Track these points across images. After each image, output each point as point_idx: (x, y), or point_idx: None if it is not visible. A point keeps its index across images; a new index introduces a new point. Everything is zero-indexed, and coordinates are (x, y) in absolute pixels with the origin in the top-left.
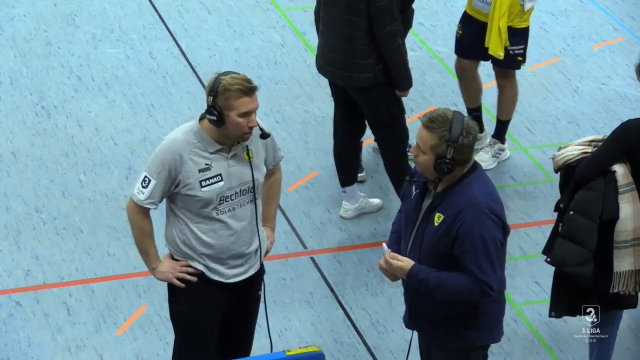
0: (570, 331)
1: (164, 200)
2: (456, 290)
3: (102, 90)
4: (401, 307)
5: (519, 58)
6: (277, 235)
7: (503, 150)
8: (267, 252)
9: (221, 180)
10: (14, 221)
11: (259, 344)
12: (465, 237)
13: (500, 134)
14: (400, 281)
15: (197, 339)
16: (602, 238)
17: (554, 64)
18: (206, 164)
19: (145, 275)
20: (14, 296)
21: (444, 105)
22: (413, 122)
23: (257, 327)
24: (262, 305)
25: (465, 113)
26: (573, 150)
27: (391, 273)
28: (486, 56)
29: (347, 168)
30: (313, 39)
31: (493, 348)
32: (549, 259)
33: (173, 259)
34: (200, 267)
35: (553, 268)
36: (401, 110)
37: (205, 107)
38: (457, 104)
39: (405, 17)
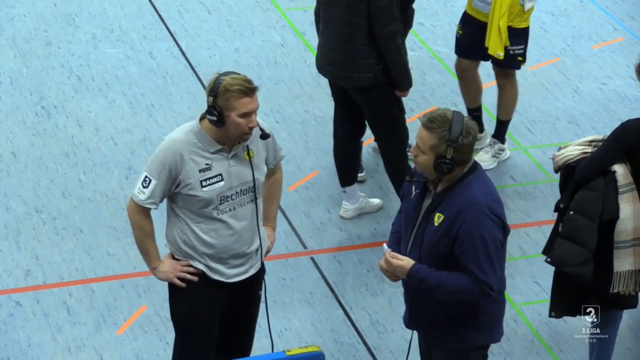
0: (570, 331)
1: (165, 200)
2: (456, 290)
3: (102, 90)
4: (401, 307)
5: (519, 58)
6: (277, 235)
7: (503, 150)
8: (267, 252)
9: (222, 180)
10: (14, 221)
11: (259, 344)
12: (465, 237)
13: (500, 134)
14: (400, 281)
15: (198, 338)
16: (602, 238)
17: (554, 64)
18: (207, 164)
19: (145, 275)
20: (14, 296)
21: (444, 105)
22: (413, 122)
23: (257, 327)
24: (262, 305)
25: (465, 113)
26: (573, 150)
27: (391, 273)
28: (486, 56)
29: (347, 168)
30: (313, 39)
31: (493, 348)
32: (549, 259)
33: (174, 258)
34: (201, 267)
35: (553, 268)
36: (401, 111)
37: (205, 107)
38: (457, 104)
39: (405, 17)
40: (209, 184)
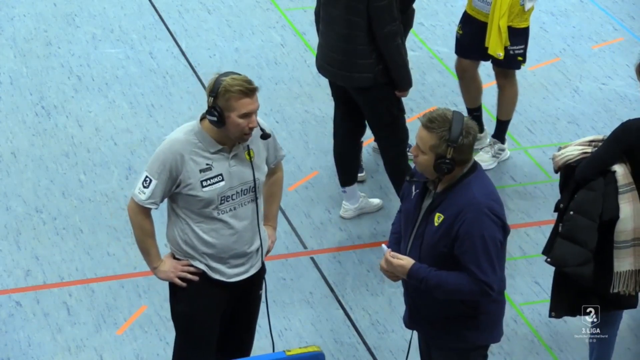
0: (570, 331)
1: (165, 199)
2: (456, 290)
3: (102, 90)
4: (401, 307)
5: (519, 58)
6: (277, 235)
7: (503, 150)
8: (268, 251)
9: (222, 180)
10: (14, 221)
11: (259, 344)
12: (465, 237)
13: (500, 134)
14: (400, 281)
15: (198, 338)
16: (602, 238)
17: (554, 64)
18: (207, 164)
19: (145, 275)
20: (14, 296)
21: (444, 105)
22: (413, 122)
23: (257, 327)
24: (262, 305)
25: (465, 113)
26: (573, 150)
27: (392, 273)
28: (486, 56)
29: (347, 168)
30: (313, 39)
31: (493, 348)
32: (549, 259)
33: (174, 258)
34: (202, 267)
35: (553, 268)
36: (401, 111)
37: (205, 107)
38: (457, 104)
39: (405, 17)
40: (209, 184)
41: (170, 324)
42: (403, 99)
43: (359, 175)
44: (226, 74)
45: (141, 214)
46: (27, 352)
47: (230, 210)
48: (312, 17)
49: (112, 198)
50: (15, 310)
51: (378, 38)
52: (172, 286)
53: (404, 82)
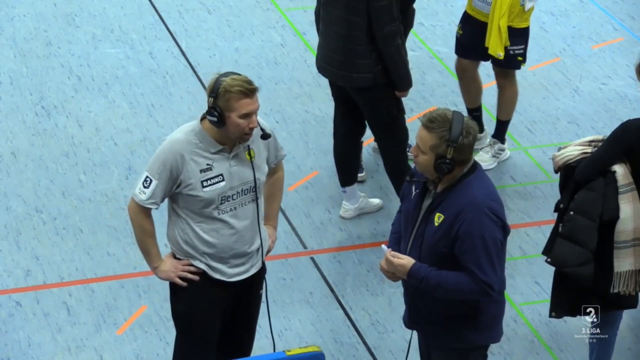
0: (570, 331)
1: (166, 199)
2: (456, 289)
3: (102, 90)
4: (401, 307)
5: (519, 58)
6: (277, 235)
7: (503, 150)
8: (269, 251)
9: (223, 180)
10: (14, 221)
11: (259, 344)
12: (466, 237)
13: (500, 134)
14: (400, 281)
15: (199, 337)
16: (602, 238)
17: (554, 64)
18: (207, 164)
19: (145, 275)
20: (14, 296)
21: (444, 105)
22: (413, 122)
23: (257, 327)
24: (262, 305)
25: (465, 113)
26: (573, 150)
27: (392, 273)
28: (486, 56)
29: (347, 168)
30: (313, 39)
31: (493, 348)
32: (549, 260)
33: (175, 258)
34: (202, 266)
35: (553, 268)
36: (401, 111)
37: (205, 107)
38: (457, 104)
39: (406, 17)
40: (209, 184)
41: (170, 324)
42: (403, 99)
43: (359, 175)
44: (226, 74)
45: (141, 213)
46: (27, 352)
47: (231, 210)
48: (312, 17)
49: (112, 198)
50: (15, 310)
51: (378, 38)
52: (173, 286)
53: (404, 82)
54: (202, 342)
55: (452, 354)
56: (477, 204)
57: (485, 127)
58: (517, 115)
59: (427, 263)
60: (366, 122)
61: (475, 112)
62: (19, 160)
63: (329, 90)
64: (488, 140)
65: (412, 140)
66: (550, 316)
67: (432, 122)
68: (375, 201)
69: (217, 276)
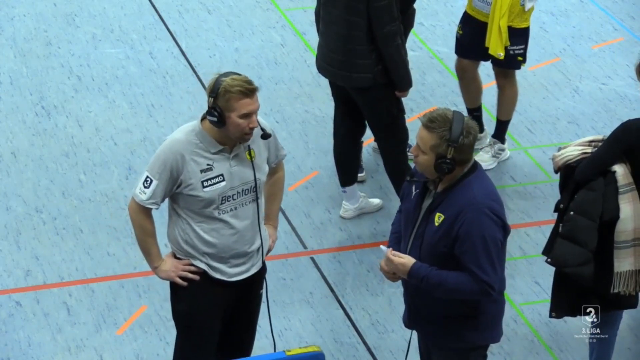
0: (570, 331)
1: (166, 199)
2: (457, 289)
3: (102, 90)
4: (401, 307)
5: (519, 58)
6: (277, 235)
7: (503, 150)
8: (269, 251)
9: (223, 180)
10: (14, 221)
11: (259, 344)
12: (466, 237)
13: (500, 134)
14: (400, 281)
15: (199, 337)
16: (603, 238)
17: (554, 64)
18: (208, 164)
19: (145, 275)
20: (14, 296)
21: (444, 105)
22: (413, 122)
23: (257, 327)
24: (263, 305)
25: (465, 113)
26: (573, 150)
27: (392, 274)
28: (486, 56)
29: (347, 168)
30: (313, 39)
31: (493, 348)
32: (549, 260)
33: (175, 257)
34: (203, 266)
35: (553, 268)
36: (401, 111)
37: (205, 107)
38: (457, 104)
39: (406, 17)
40: (210, 184)
41: (170, 323)
42: (403, 99)
43: (359, 175)
44: (226, 74)
45: (142, 213)
46: (27, 352)
47: (231, 210)
48: (312, 17)
49: (112, 198)
50: (15, 310)
51: (378, 38)
52: (173, 285)
53: (404, 82)
54: (203, 342)
55: (452, 354)
56: (478, 204)
57: (485, 127)
58: (517, 115)
59: (427, 263)
60: (366, 122)
61: (475, 112)
62: (19, 160)
63: (329, 90)
64: (488, 140)
65: (412, 140)
66: (551, 316)
67: (432, 122)
68: (375, 201)
69: (217, 276)
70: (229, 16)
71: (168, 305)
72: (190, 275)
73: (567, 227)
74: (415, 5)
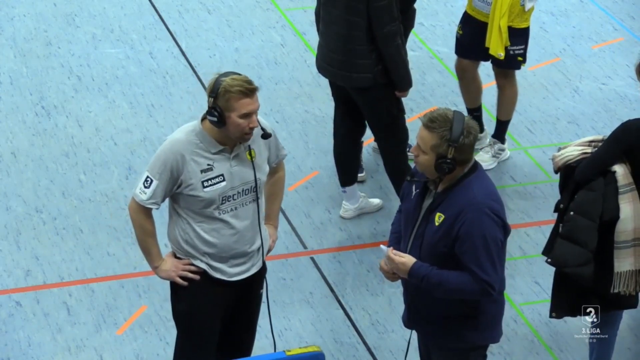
0: (570, 331)
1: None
2: (457, 289)
3: (102, 90)
4: (401, 307)
5: (519, 58)
6: (277, 234)
7: (503, 150)
8: (269, 251)
9: (223, 180)
10: (14, 221)
11: (259, 344)
12: (466, 237)
13: (500, 134)
14: (400, 281)
15: (199, 337)
16: (603, 238)
17: (554, 64)
18: (208, 165)
19: (145, 275)
20: (14, 296)
21: (444, 105)
22: (413, 122)
23: (257, 327)
24: (263, 305)
25: (465, 113)
26: (573, 150)
27: (391, 273)
28: (486, 56)
29: (347, 168)
30: (313, 39)
31: (493, 348)
32: (549, 260)
33: (175, 257)
34: (203, 266)
35: (553, 268)
36: (401, 111)
37: (205, 107)
38: (457, 104)
39: (407, 17)
40: (210, 185)
41: (170, 324)
42: (403, 99)
43: (359, 175)
44: (226, 74)
45: (142, 213)
46: (27, 352)
47: (232, 210)
48: (312, 17)
49: (112, 198)
50: (15, 310)
51: (378, 38)
52: (173, 285)
53: (404, 82)
54: (203, 342)
55: (451, 354)
56: (478, 204)
57: (485, 127)
58: (517, 115)
59: (427, 263)
60: (366, 122)
61: (475, 112)
62: (19, 160)
63: (329, 90)
64: (488, 140)
65: (412, 140)
66: (551, 316)
67: (433, 122)
68: (375, 201)
69: (217, 275)
70: (229, 16)
71: (168, 305)
72: (191, 275)
73: (567, 227)
74: (416, 5)
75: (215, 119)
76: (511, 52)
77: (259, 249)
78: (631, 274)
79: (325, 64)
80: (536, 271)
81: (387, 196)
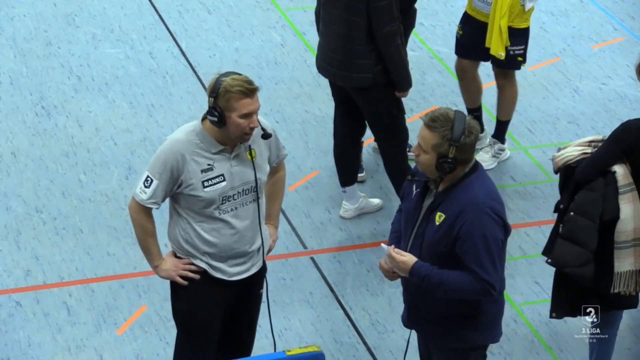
0: (570, 331)
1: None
2: (458, 289)
3: (102, 90)
4: (401, 307)
5: (519, 58)
6: (277, 234)
7: (503, 150)
8: (269, 250)
9: (223, 180)
10: (14, 221)
11: (259, 344)
12: (467, 237)
13: (500, 134)
14: (400, 281)
15: (200, 336)
16: (603, 239)
17: (554, 64)
18: (208, 165)
19: (145, 275)
20: (14, 296)
21: (444, 105)
22: (413, 122)
23: (257, 327)
24: (263, 305)
25: (465, 113)
26: (573, 151)
27: (391, 272)
28: (486, 56)
29: (347, 168)
30: (313, 39)
31: (493, 348)
32: (549, 260)
33: (176, 256)
34: (203, 265)
35: (553, 268)
36: (401, 111)
37: (205, 107)
38: (457, 104)
39: (407, 17)
40: (210, 185)
41: (170, 324)
42: (403, 99)
43: (359, 175)
44: (226, 74)
45: (142, 213)
46: (27, 352)
47: (232, 210)
48: (312, 17)
49: (112, 198)
50: (15, 310)
51: (378, 38)
52: (173, 285)
53: (404, 82)
54: (203, 342)
55: (451, 354)
56: (479, 204)
57: (485, 127)
58: (517, 115)
59: (427, 262)
60: (366, 122)
61: (475, 112)
62: (19, 160)
63: (329, 90)
64: (488, 140)
65: (412, 140)
66: (551, 317)
67: (434, 121)
68: (375, 201)
69: (217, 275)
70: (229, 16)
71: (168, 305)
72: (191, 275)
73: (567, 227)
74: (416, 5)
75: (215, 119)
76: (511, 52)
77: (259, 248)
78: (631, 274)
79: (325, 64)
80: (536, 271)
81: (387, 196)
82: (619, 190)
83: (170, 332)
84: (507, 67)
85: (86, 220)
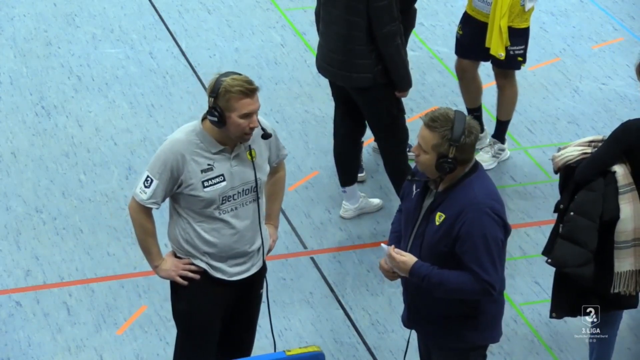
0: (570, 331)
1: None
2: (458, 288)
3: (102, 90)
4: (401, 307)
5: (519, 58)
6: (277, 234)
7: (503, 150)
8: (269, 250)
9: (224, 180)
10: (14, 221)
11: (259, 344)
12: (467, 237)
13: (500, 134)
14: (400, 281)
15: (200, 336)
16: (603, 239)
17: (554, 64)
18: (208, 165)
19: (145, 275)
20: (14, 296)
21: (444, 105)
22: (413, 122)
23: (257, 327)
24: (263, 305)
25: (465, 113)
26: (573, 151)
27: (391, 272)
28: (486, 56)
29: (347, 168)
30: (313, 39)
31: (493, 348)
32: (549, 260)
33: (176, 256)
34: (203, 265)
35: (553, 268)
36: (401, 111)
37: (205, 107)
38: (457, 104)
39: (408, 17)
40: (210, 185)
41: (170, 324)
42: (403, 99)
43: (359, 175)
44: (226, 74)
45: (142, 213)
46: (27, 352)
47: (232, 210)
48: (312, 17)
49: (112, 198)
50: (15, 310)
51: (378, 38)
52: (173, 285)
53: (404, 82)
54: (203, 342)
55: (451, 354)
56: (479, 204)
57: (485, 127)
58: (517, 115)
59: (427, 262)
60: (366, 122)
61: (475, 112)
62: (19, 160)
63: (329, 90)
64: (488, 140)
65: (412, 140)
66: (551, 317)
67: (434, 121)
68: (375, 201)
69: (217, 275)
70: (229, 16)
71: (168, 305)
72: (191, 275)
73: (567, 227)
74: (416, 5)
75: (215, 119)
76: (511, 52)
77: (259, 248)
78: (631, 274)
79: (325, 64)
80: (536, 271)
81: (387, 196)
82: (619, 190)
83: (170, 332)
84: (507, 67)
85: (86, 220)
